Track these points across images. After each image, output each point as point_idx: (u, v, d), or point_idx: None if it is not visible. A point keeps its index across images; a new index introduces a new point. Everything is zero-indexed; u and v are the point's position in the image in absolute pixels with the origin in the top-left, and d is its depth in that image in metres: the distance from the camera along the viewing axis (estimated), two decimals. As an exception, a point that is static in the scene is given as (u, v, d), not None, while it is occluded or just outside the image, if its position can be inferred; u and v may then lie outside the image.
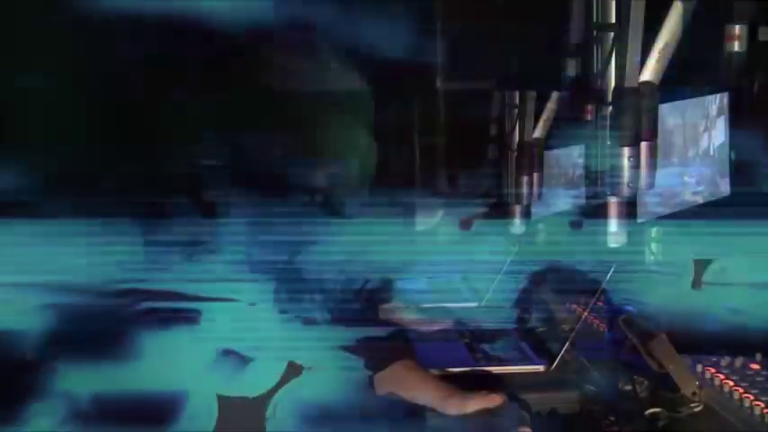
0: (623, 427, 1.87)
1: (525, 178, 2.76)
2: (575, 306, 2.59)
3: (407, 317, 2.75)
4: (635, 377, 2.02)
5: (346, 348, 1.92)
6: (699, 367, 2.06)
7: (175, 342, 1.82)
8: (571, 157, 3.08)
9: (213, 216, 1.98)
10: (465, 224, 3.66)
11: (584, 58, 2.12)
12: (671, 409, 1.90)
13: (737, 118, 2.85)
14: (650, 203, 2.62)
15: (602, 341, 2.41)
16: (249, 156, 2.03)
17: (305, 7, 2.19)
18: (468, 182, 3.69)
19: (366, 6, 2.27)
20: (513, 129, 2.81)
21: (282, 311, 1.90)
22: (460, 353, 2.44)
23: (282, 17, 2.08)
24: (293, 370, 1.87)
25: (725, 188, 2.96)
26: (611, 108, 1.84)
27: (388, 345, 2.04)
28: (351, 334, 1.94)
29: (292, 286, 1.95)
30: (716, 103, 2.95)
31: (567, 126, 2.68)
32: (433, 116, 3.76)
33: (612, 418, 1.90)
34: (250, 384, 1.86)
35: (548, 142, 2.79)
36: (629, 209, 1.97)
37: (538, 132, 2.73)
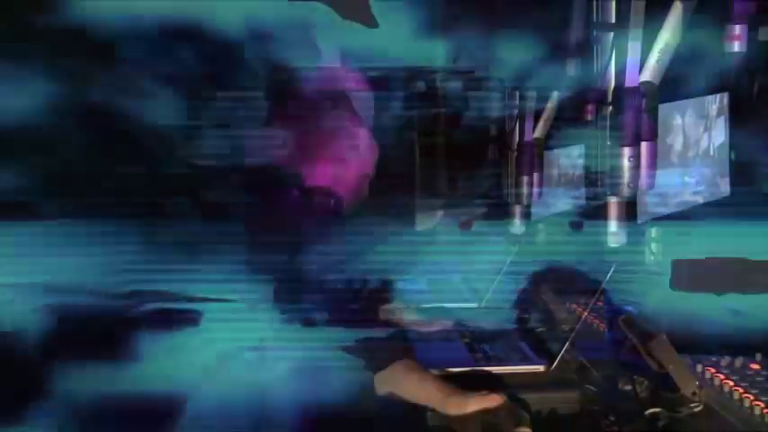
0: (623, 427, 1.87)
1: (525, 178, 2.75)
2: (575, 306, 2.59)
3: (407, 317, 2.75)
4: (635, 377, 2.02)
5: (346, 348, 1.92)
6: (699, 367, 2.06)
7: (176, 343, 1.82)
8: (571, 157, 3.08)
9: (213, 216, 1.98)
10: (465, 224, 3.66)
11: (584, 58, 2.12)
12: (671, 409, 1.90)
13: (737, 118, 2.85)
14: (650, 203, 2.62)
15: (602, 341, 2.41)
16: (249, 156, 2.03)
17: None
18: (468, 182, 3.70)
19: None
20: (513, 129, 2.80)
21: (282, 312, 1.90)
22: (460, 353, 2.44)
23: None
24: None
25: (725, 188, 2.97)
26: (611, 108, 1.84)
27: (388, 345, 2.04)
28: (351, 334, 1.94)
29: (292, 287, 1.95)
30: (716, 103, 2.95)
31: (567, 126, 2.68)
32: (433, 116, 3.76)
33: (612, 418, 1.90)
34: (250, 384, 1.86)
35: (548, 142, 2.79)
36: (629, 209, 1.97)
37: (538, 132, 2.73)
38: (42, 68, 1.90)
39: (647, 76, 1.84)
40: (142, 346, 1.80)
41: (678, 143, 2.81)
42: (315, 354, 1.89)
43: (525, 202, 2.81)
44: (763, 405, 1.82)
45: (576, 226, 2.70)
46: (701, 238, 2.52)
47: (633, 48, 1.81)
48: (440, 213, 3.94)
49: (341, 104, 2.13)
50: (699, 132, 2.87)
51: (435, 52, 3.22)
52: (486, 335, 2.60)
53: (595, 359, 2.26)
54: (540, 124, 2.71)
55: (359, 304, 2.33)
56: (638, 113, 1.82)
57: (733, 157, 2.96)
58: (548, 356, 2.35)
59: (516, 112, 2.78)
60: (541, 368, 2.31)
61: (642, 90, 1.83)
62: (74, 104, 1.92)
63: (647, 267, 2.60)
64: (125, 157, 2.01)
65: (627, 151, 1.82)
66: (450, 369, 2.23)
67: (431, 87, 3.54)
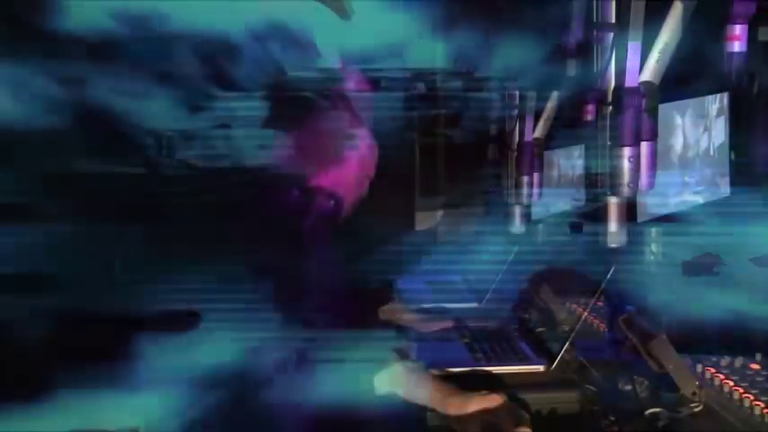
0: (623, 427, 1.87)
1: (525, 178, 2.75)
2: (575, 306, 2.59)
3: (407, 317, 2.75)
4: (635, 377, 2.02)
5: (346, 349, 1.92)
6: (699, 367, 2.06)
7: (175, 345, 1.82)
8: (571, 157, 3.08)
9: (213, 216, 1.98)
10: (465, 224, 3.66)
11: (584, 58, 2.12)
12: (671, 409, 1.90)
13: (737, 118, 2.85)
14: (650, 203, 2.62)
15: (602, 341, 2.41)
16: (249, 156, 2.03)
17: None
18: (468, 182, 3.70)
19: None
20: (513, 129, 2.80)
21: (282, 312, 1.90)
22: (460, 353, 2.44)
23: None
24: None
25: (725, 188, 2.97)
26: (611, 108, 1.84)
27: (387, 345, 2.04)
28: (351, 334, 1.94)
29: (292, 287, 1.95)
30: (716, 103, 2.95)
31: (566, 126, 2.68)
32: (433, 117, 3.77)
33: (612, 418, 1.90)
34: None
35: (548, 142, 2.78)
36: (629, 209, 1.96)
37: (538, 132, 2.72)
38: (42, 69, 1.90)
39: (647, 76, 1.84)
40: (142, 347, 1.80)
41: (678, 143, 2.81)
42: (315, 354, 1.89)
43: (525, 202, 2.81)
44: (763, 405, 1.82)
45: (576, 226, 2.70)
46: (701, 238, 2.53)
47: (633, 48, 1.81)
48: (439, 213, 3.95)
49: (341, 104, 2.13)
50: (699, 132, 2.87)
51: (435, 53, 3.22)
52: (486, 335, 2.60)
53: (595, 359, 2.26)
54: (540, 124, 2.71)
55: (359, 304, 2.33)
56: (638, 113, 1.82)
57: (733, 157, 2.96)
58: (548, 356, 2.36)
59: (516, 112, 2.78)
60: (541, 368, 2.31)
61: (642, 90, 1.82)
62: (73, 105, 1.92)
63: (647, 267, 2.60)
64: (125, 158, 2.01)
65: (627, 151, 1.82)
66: (450, 369, 2.23)
67: (431, 88, 3.54)
